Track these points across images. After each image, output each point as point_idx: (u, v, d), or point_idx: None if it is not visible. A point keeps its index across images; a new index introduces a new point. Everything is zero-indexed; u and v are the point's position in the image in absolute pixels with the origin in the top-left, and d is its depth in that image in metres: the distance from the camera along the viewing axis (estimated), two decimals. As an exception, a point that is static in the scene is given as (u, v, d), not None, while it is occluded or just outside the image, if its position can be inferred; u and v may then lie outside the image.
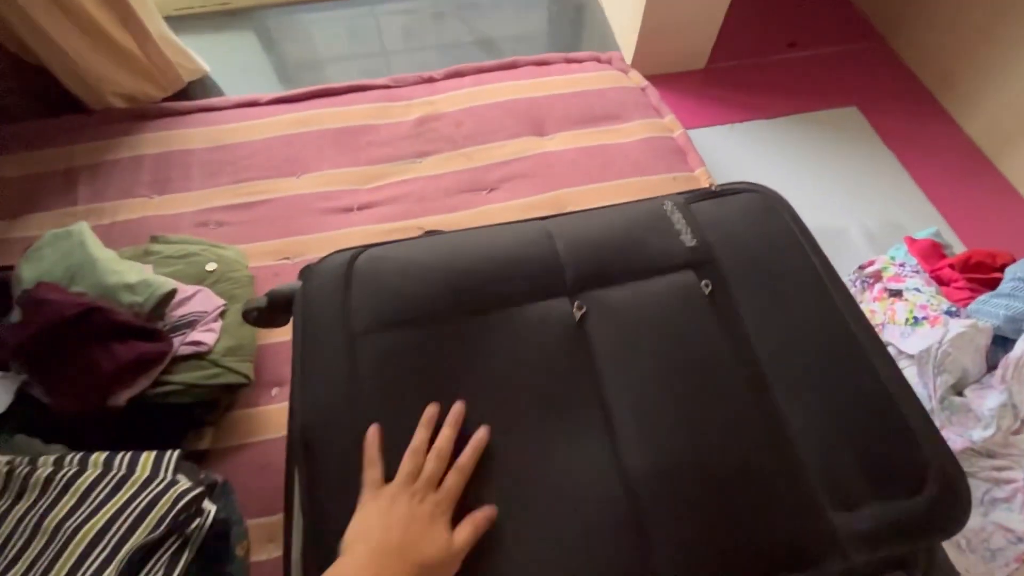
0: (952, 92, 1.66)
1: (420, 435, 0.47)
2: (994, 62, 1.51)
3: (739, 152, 1.57)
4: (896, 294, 1.04)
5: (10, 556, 0.54)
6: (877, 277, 1.12)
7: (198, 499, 0.59)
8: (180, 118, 1.25)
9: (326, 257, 0.61)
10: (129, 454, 0.62)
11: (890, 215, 1.43)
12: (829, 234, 1.19)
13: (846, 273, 1.19)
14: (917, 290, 1.02)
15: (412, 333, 0.53)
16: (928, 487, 0.47)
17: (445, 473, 0.45)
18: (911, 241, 1.15)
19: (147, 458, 0.62)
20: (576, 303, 0.56)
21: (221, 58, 1.51)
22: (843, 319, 0.56)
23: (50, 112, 1.26)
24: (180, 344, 0.78)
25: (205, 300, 0.83)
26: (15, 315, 0.72)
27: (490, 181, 1.15)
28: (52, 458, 0.60)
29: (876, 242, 1.35)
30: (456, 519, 0.44)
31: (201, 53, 1.42)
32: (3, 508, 0.56)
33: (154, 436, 0.77)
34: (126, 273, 0.78)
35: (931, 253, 1.11)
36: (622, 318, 0.55)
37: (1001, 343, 0.94)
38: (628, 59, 1.65)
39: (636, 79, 1.36)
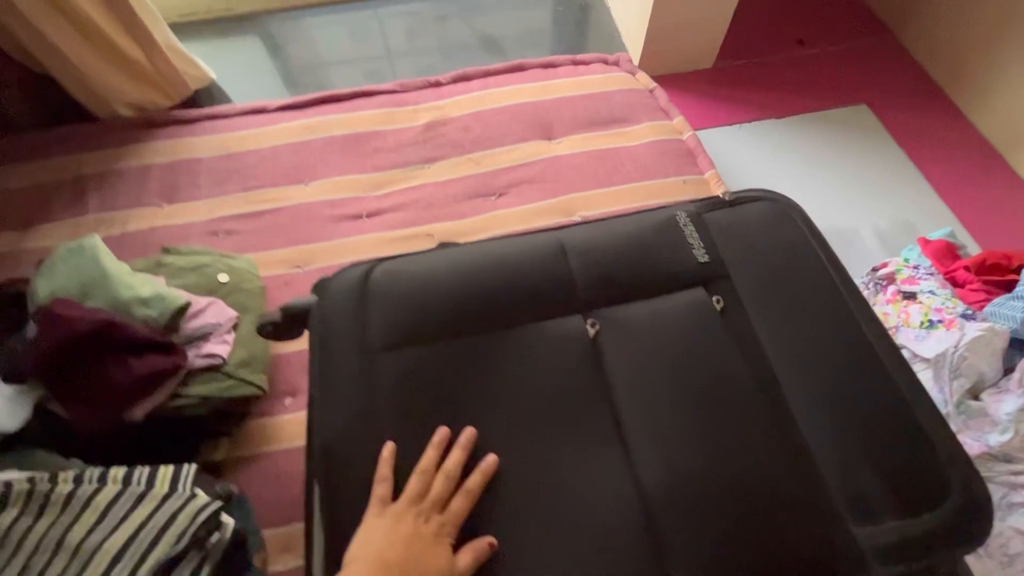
0: (963, 87, 1.63)
1: (430, 455, 0.47)
2: (1006, 55, 1.48)
3: (748, 152, 1.55)
4: (910, 296, 1.03)
5: (34, 574, 0.54)
6: (890, 279, 1.11)
7: (217, 514, 0.59)
8: (188, 126, 1.25)
9: (340, 271, 0.61)
10: (147, 469, 0.62)
11: (902, 215, 1.41)
12: (841, 235, 1.18)
13: (858, 275, 1.18)
14: (932, 292, 1.01)
15: (428, 350, 0.54)
16: (951, 500, 0.46)
17: (453, 495, 0.45)
18: (925, 242, 1.14)
19: (165, 473, 0.62)
20: (590, 320, 0.56)
21: (226, 64, 1.51)
22: (860, 330, 0.55)
23: (57, 121, 1.25)
24: (195, 357, 0.78)
25: (218, 312, 0.83)
26: (31, 330, 0.73)
27: (499, 186, 1.15)
28: (72, 474, 0.61)
29: (888, 242, 1.34)
30: (464, 541, 0.43)
31: (206, 59, 1.42)
32: (25, 526, 0.56)
33: (170, 448, 0.77)
34: (139, 287, 0.78)
35: (945, 254, 1.10)
36: (635, 336, 0.55)
37: (1018, 346, 0.93)
38: (635, 58, 1.64)
39: (644, 81, 1.35)
